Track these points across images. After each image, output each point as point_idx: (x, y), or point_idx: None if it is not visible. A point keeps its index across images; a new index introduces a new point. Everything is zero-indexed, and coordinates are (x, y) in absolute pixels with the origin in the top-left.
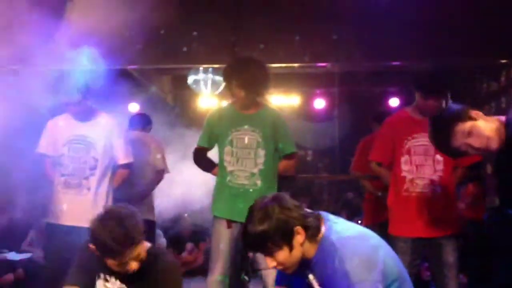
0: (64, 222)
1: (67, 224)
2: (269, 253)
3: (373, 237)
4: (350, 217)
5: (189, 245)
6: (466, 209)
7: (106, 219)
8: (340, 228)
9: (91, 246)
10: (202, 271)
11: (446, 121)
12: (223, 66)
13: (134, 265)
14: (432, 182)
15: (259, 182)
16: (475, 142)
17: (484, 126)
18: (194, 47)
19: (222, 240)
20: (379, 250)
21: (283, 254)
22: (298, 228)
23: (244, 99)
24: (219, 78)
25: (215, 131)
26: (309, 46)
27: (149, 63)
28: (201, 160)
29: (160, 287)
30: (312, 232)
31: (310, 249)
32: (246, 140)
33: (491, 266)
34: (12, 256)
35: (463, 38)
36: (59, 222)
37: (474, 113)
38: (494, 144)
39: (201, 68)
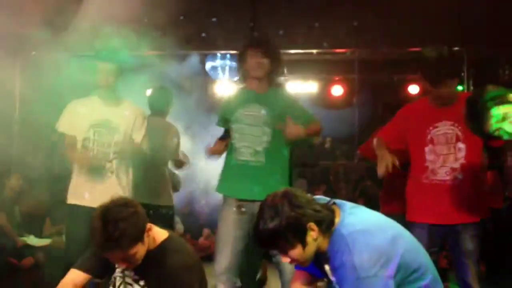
0: (87, 204)
1: (91, 205)
2: (282, 251)
3: (392, 228)
4: (367, 206)
5: (205, 231)
6: None
7: (105, 213)
8: (354, 220)
9: None
10: None
11: (482, 106)
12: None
13: (122, 265)
14: (453, 170)
15: (263, 160)
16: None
17: None
18: (213, 33)
19: (228, 225)
20: (398, 241)
21: (296, 252)
22: (311, 225)
23: (255, 64)
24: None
25: (226, 114)
26: (328, 32)
27: (168, 49)
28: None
29: (167, 285)
30: (326, 225)
31: (324, 242)
32: (253, 118)
33: (509, 255)
34: (32, 240)
35: (485, 26)
36: (83, 203)
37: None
38: None
39: (218, 54)
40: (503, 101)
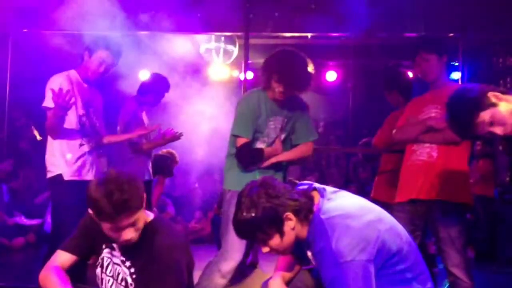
0: (85, 178)
1: (88, 179)
2: (261, 241)
3: (371, 212)
4: (359, 192)
5: (197, 214)
6: (475, 185)
7: (105, 182)
8: (334, 205)
9: (90, 210)
10: (210, 239)
11: (465, 112)
12: (236, 34)
13: (129, 234)
14: (431, 149)
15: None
16: (498, 130)
17: (506, 111)
18: (207, 14)
19: None
20: (377, 225)
21: (274, 241)
22: (288, 214)
23: (281, 95)
24: (231, 47)
25: (257, 122)
26: (324, 16)
27: (161, 29)
28: (252, 153)
29: (154, 267)
30: (304, 214)
31: (303, 230)
32: (276, 129)
33: (498, 242)
34: (23, 220)
35: (480, 12)
36: (83, 178)
37: (493, 96)
38: None
39: (213, 37)
40: (486, 104)
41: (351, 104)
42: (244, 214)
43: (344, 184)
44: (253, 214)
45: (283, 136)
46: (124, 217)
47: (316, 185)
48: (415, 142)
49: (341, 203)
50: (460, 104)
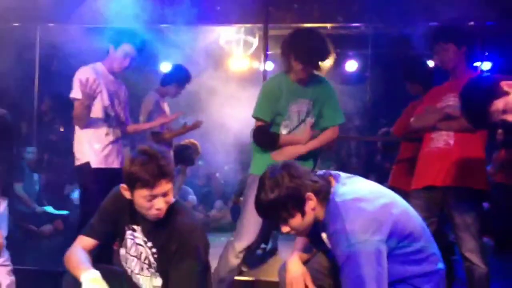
0: (112, 166)
1: (114, 167)
2: (283, 221)
3: (384, 196)
4: (378, 181)
5: (218, 203)
6: (496, 174)
7: (140, 155)
8: (348, 190)
9: (123, 186)
10: (230, 227)
11: (478, 101)
12: (256, 26)
13: (161, 203)
14: (448, 136)
15: None
16: (511, 117)
17: None
18: (227, 6)
19: None
20: (390, 208)
21: (296, 221)
22: (310, 195)
23: (302, 73)
24: (251, 38)
25: (277, 105)
26: (343, 6)
27: (182, 22)
28: (267, 135)
29: (174, 247)
30: (323, 195)
31: (321, 212)
32: (300, 113)
33: None
34: (50, 209)
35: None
36: (109, 166)
37: (505, 85)
38: None
39: (233, 28)
40: (498, 93)
41: (369, 94)
42: (268, 194)
43: (365, 174)
44: (277, 194)
45: (312, 121)
46: (162, 182)
47: (331, 171)
48: (432, 130)
49: (355, 187)
50: (474, 93)
